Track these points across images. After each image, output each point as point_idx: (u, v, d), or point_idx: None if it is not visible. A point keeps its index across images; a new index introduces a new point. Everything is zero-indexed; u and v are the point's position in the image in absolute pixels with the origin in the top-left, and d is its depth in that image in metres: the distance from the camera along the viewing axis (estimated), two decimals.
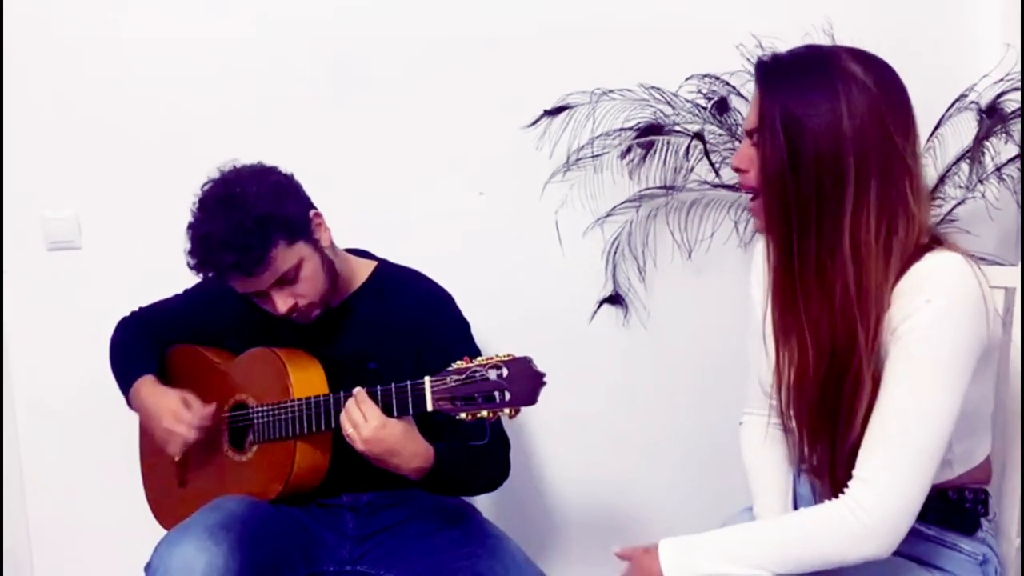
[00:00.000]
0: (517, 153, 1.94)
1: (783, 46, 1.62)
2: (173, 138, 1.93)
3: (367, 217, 1.89)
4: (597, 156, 1.91)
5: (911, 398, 1.06)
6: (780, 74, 1.13)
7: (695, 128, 1.84)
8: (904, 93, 1.12)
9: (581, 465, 2.06)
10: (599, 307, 2.02)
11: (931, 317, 1.05)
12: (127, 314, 1.74)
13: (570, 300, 2.02)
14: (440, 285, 1.61)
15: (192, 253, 1.45)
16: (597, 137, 1.88)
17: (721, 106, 1.79)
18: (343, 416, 1.34)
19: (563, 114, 1.89)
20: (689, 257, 1.99)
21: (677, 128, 1.85)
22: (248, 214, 1.40)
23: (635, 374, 2.06)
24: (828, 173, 1.07)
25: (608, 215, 1.98)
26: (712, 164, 1.78)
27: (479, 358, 1.27)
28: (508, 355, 1.26)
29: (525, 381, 1.23)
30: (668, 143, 1.87)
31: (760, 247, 1.33)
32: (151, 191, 1.91)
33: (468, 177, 1.97)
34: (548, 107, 1.88)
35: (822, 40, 1.70)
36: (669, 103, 1.83)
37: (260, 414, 1.54)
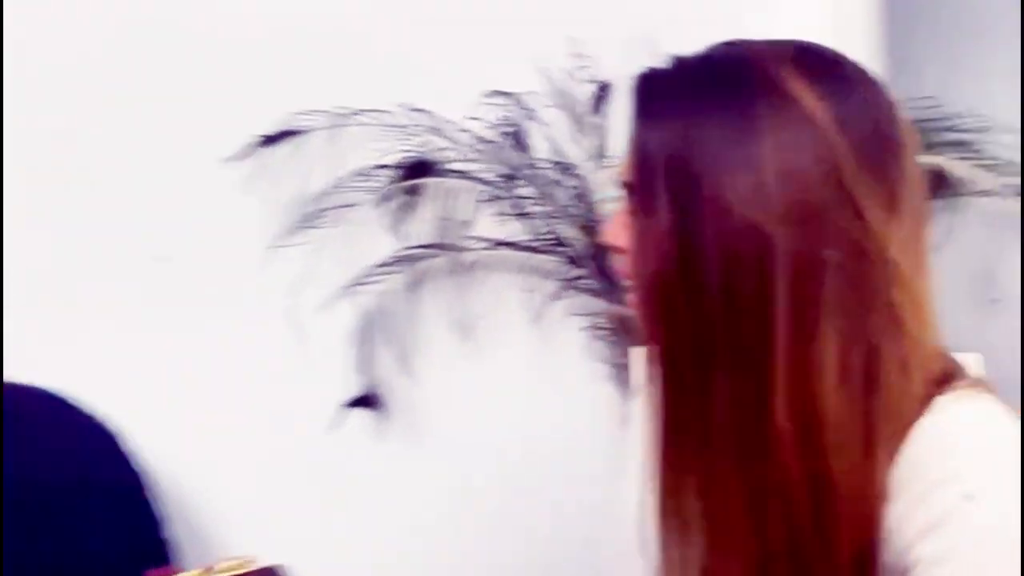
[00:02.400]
0: (217, 199, 1.40)
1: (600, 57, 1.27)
2: None
3: None
4: (338, 207, 1.35)
5: None
6: (666, 98, 0.68)
7: (476, 167, 1.36)
8: (891, 123, 0.68)
9: None
10: (345, 412, 1.49)
11: (986, 525, 0.62)
12: None
13: (303, 404, 1.49)
14: (96, 419, 1.16)
15: None
16: (348, 178, 1.34)
17: (516, 138, 1.32)
18: None
19: (288, 142, 1.35)
20: (467, 338, 1.49)
21: (453, 166, 1.35)
22: None
23: (399, 501, 1.53)
24: (744, 271, 0.64)
25: (355, 285, 1.45)
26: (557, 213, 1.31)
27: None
28: (243, 564, 0.80)
29: None
30: (440, 186, 1.37)
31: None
32: None
33: (140, 236, 1.40)
34: (267, 132, 1.34)
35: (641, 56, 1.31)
36: (441, 131, 1.33)
37: None
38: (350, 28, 1.39)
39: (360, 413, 1.49)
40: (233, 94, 1.37)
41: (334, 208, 1.39)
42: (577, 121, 1.35)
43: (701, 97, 0.66)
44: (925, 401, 0.66)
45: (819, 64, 0.68)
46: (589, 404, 1.55)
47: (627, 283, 0.73)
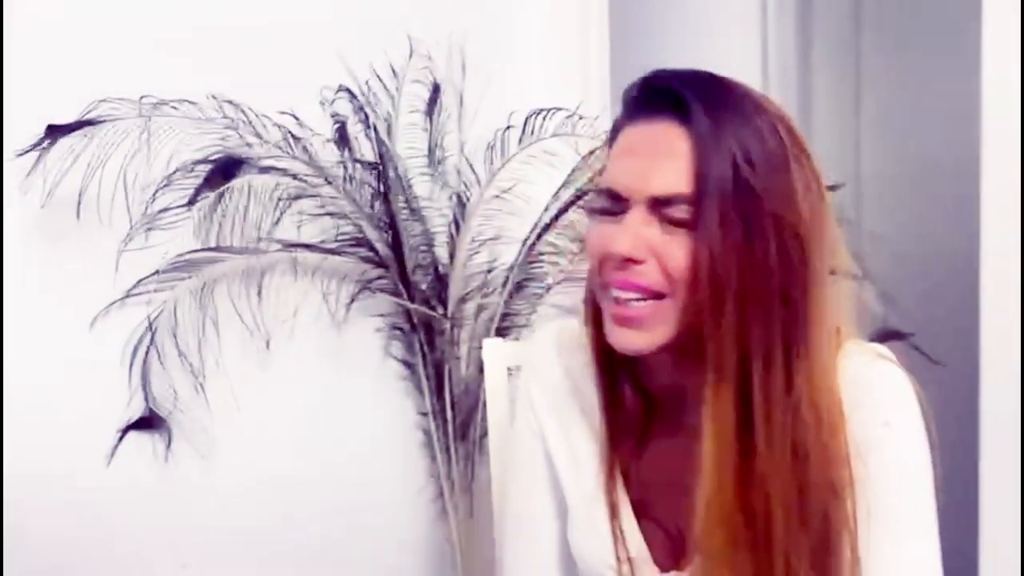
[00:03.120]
0: None
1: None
2: None
3: None
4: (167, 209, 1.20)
5: (920, 555, 0.79)
6: (721, 109, 0.73)
7: (285, 164, 1.29)
8: None
9: None
10: (121, 438, 1.32)
11: (899, 446, 0.79)
12: None
13: (74, 432, 1.29)
14: None
15: None
16: (174, 174, 1.19)
17: (341, 135, 1.28)
18: None
19: (81, 134, 1.15)
20: (268, 347, 1.41)
21: (262, 163, 1.27)
22: None
23: (193, 532, 1.39)
24: (796, 277, 0.74)
25: (128, 296, 1.29)
26: (358, 214, 1.26)
27: None
28: None
29: None
30: (245, 184, 1.28)
31: (543, 353, 0.93)
32: None
33: None
34: (58, 121, 1.14)
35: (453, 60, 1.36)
36: (253, 126, 1.25)
37: None
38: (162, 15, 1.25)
39: (138, 438, 1.33)
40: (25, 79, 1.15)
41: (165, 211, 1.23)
42: (388, 122, 1.35)
43: (746, 119, 0.73)
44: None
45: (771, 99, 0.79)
46: (386, 406, 1.55)
47: (634, 294, 0.76)
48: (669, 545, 0.86)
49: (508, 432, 1.04)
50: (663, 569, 0.86)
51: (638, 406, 0.86)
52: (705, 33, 2.02)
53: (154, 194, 1.18)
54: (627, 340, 0.78)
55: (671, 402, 0.85)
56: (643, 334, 0.77)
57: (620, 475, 0.86)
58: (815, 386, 0.76)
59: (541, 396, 0.92)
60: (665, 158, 0.74)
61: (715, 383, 0.75)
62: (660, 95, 0.75)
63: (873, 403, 0.79)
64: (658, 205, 0.74)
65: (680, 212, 0.73)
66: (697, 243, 0.73)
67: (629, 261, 0.75)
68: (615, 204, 0.76)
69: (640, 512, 0.87)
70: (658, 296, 0.76)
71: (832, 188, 0.81)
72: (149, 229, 1.18)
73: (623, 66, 1.61)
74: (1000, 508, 1.26)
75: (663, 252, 0.74)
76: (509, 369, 1.19)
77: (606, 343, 0.80)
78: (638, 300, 0.76)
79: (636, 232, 0.74)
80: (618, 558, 0.85)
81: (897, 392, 0.80)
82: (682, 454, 0.82)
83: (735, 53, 2.04)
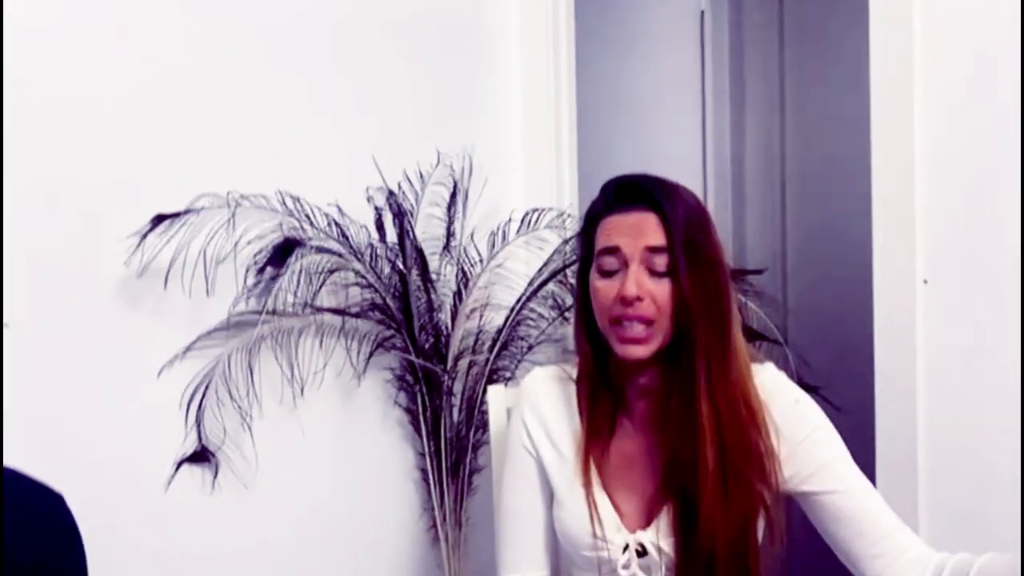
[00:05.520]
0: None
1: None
2: None
3: None
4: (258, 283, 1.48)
5: (865, 481, 1.17)
6: (673, 200, 1.13)
7: (330, 245, 1.59)
8: None
9: None
10: (177, 469, 1.57)
11: (808, 412, 1.19)
12: None
13: (140, 464, 1.54)
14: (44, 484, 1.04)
15: None
16: (259, 253, 1.48)
17: (378, 224, 1.59)
18: None
19: (180, 221, 1.44)
20: (302, 394, 1.69)
21: (312, 244, 1.57)
22: None
23: (232, 550, 1.63)
24: (722, 302, 1.12)
25: (190, 349, 1.55)
26: (378, 285, 1.55)
27: None
28: None
29: None
30: (298, 261, 1.57)
31: (533, 384, 1.26)
32: None
33: None
34: (165, 211, 1.42)
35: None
36: (308, 215, 1.54)
37: None
38: (245, 123, 1.55)
39: (191, 471, 1.58)
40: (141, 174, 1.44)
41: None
42: (411, 213, 1.67)
43: (687, 204, 1.13)
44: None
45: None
46: (391, 447, 1.83)
47: (636, 322, 1.12)
48: (635, 511, 1.19)
49: (504, 452, 1.35)
50: (631, 531, 1.17)
51: (610, 405, 1.20)
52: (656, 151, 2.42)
53: (246, 270, 1.47)
54: (633, 352, 1.13)
55: (636, 398, 1.20)
56: (644, 347, 1.13)
57: (593, 464, 1.19)
58: (739, 375, 1.13)
59: (532, 418, 1.25)
60: (648, 226, 1.12)
61: (687, 374, 1.12)
62: (632, 193, 1.14)
63: (783, 389, 1.18)
64: (649, 257, 1.11)
65: (661, 263, 1.11)
66: (673, 284, 1.11)
67: (636, 300, 1.11)
68: (616, 262, 1.13)
69: (610, 488, 1.19)
70: (650, 323, 1.12)
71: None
72: (249, 297, 1.46)
73: (587, 171, 1.99)
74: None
75: (654, 292, 1.11)
76: (507, 410, 1.50)
77: (598, 358, 1.18)
78: (640, 325, 1.12)
79: (638, 280, 1.11)
80: (593, 527, 1.17)
81: (793, 385, 1.20)
82: (642, 438, 1.18)
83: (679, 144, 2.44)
